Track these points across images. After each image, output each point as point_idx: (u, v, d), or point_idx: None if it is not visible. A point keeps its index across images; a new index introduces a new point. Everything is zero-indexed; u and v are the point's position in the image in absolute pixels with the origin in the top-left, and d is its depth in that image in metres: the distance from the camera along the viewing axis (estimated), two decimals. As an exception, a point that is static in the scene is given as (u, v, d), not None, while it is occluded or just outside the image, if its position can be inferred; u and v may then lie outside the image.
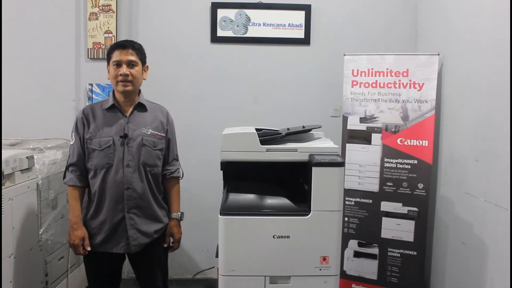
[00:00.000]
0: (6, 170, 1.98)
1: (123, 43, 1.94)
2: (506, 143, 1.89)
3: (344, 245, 2.65)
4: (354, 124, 2.67)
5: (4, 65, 2.85)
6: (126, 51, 1.91)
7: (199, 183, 2.94)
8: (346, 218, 2.68)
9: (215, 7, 2.95)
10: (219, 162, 1.86)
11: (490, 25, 2.09)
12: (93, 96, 2.91)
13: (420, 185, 2.54)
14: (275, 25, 2.98)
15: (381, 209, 2.61)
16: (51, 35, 2.92)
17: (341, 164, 1.74)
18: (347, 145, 2.67)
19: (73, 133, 1.96)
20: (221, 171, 1.94)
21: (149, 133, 1.95)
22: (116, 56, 1.90)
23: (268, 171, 1.91)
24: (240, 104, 3.01)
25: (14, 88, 2.90)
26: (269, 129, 1.98)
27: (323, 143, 1.99)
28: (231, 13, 2.96)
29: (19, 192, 2.08)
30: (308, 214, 1.74)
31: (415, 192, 2.55)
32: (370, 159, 2.62)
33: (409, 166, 2.56)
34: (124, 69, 1.89)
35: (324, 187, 1.73)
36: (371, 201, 2.63)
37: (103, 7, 2.89)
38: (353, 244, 2.68)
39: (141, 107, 1.99)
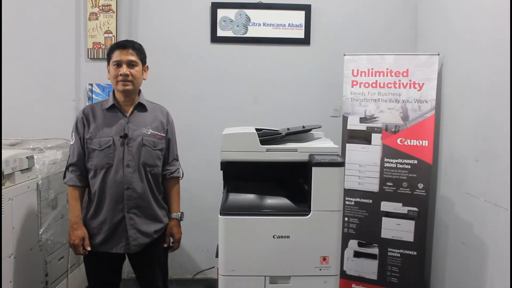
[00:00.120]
0: (6, 170, 1.98)
1: (123, 43, 1.94)
2: (506, 143, 1.89)
3: (344, 245, 2.65)
4: (354, 124, 2.67)
5: (4, 65, 2.85)
6: (126, 51, 1.91)
7: (199, 183, 2.94)
8: (346, 218, 2.68)
9: (215, 7, 2.95)
10: (219, 162, 1.86)
11: (490, 25, 2.09)
12: (93, 96, 2.91)
13: (420, 185, 2.54)
14: (275, 25, 2.98)
15: (381, 209, 2.61)
16: (51, 35, 2.92)
17: (341, 164, 1.74)
18: (347, 145, 2.67)
19: (73, 133, 1.96)
20: (221, 171, 1.94)
21: (149, 133, 1.95)
22: (116, 56, 1.90)
23: (268, 171, 1.91)
24: (240, 104, 3.01)
25: (14, 88, 2.90)
26: (269, 129, 1.98)
27: (323, 143, 1.99)
28: (231, 13, 2.96)
29: (19, 192, 2.08)
30: (308, 214, 1.74)
31: (415, 192, 2.55)
32: (370, 159, 2.62)
33: (409, 166, 2.56)
34: (124, 69, 1.89)
35: (324, 187, 1.73)
36: (371, 201, 2.63)
37: (103, 7, 2.89)
38: (353, 244, 2.68)
39: (141, 107, 1.99)
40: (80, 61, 2.94)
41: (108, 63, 1.95)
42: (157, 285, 2.04)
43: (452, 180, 2.45)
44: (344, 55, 2.70)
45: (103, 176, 1.89)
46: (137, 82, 1.95)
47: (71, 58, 2.94)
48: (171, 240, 2.07)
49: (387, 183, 2.60)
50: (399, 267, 2.60)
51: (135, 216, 1.92)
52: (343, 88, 2.70)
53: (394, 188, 2.59)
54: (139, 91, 2.01)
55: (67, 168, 1.96)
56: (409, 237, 2.56)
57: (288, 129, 2.06)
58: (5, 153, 2.01)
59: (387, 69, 2.61)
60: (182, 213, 2.10)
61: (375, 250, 2.64)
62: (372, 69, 2.64)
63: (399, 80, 2.59)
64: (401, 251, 2.59)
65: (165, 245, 2.05)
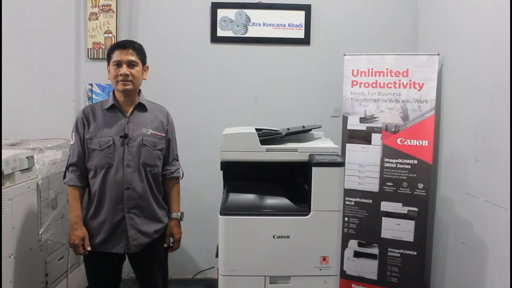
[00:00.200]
0: (6, 170, 1.98)
1: (124, 43, 1.94)
2: (506, 143, 1.89)
3: (344, 245, 2.65)
4: (354, 124, 2.67)
5: (4, 65, 2.85)
6: (126, 51, 1.91)
7: (199, 183, 2.94)
8: (346, 218, 2.68)
9: (215, 7, 2.95)
10: (219, 162, 1.86)
11: (490, 25, 2.09)
12: (93, 96, 2.91)
13: (420, 185, 2.54)
14: (275, 25, 2.98)
15: (381, 209, 2.61)
16: (51, 35, 2.92)
17: (341, 164, 1.74)
18: (347, 145, 2.67)
19: (73, 133, 1.96)
20: (221, 171, 1.94)
21: (149, 133, 1.95)
22: (117, 56, 1.90)
23: (268, 171, 1.91)
24: (240, 104, 3.01)
25: (14, 88, 2.90)
26: (269, 129, 1.98)
27: (323, 143, 1.99)
28: (231, 13, 2.96)
29: (19, 192, 2.08)
30: (308, 214, 1.74)
31: (415, 192, 2.55)
32: (370, 159, 2.62)
33: (409, 166, 2.56)
34: (124, 69, 1.89)
35: (324, 187, 1.73)
36: (371, 201, 2.63)
37: (103, 7, 2.89)
38: (353, 244, 2.68)
39: (141, 107, 1.99)
40: (80, 61, 2.94)
41: (108, 63, 1.95)
42: (157, 285, 2.04)
43: (452, 180, 2.45)
44: (344, 55, 2.70)
45: (103, 176, 1.89)
46: (137, 82, 1.95)
47: (71, 58, 2.94)
48: (171, 240, 2.07)
49: (387, 183, 2.60)
50: (399, 267, 2.60)
51: (135, 216, 1.92)
52: (343, 88, 2.70)
53: (394, 188, 2.59)
54: (139, 91, 2.01)
55: (67, 168, 1.96)
56: (409, 237, 2.56)
57: (288, 129, 2.06)
58: (5, 153, 2.01)
59: (387, 69, 2.61)
60: (182, 213, 2.10)
61: (375, 250, 2.64)
62: (372, 69, 2.64)
63: (399, 80, 2.59)
64: (401, 251, 2.59)
65: (165, 245, 2.05)
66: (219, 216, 1.75)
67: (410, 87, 2.56)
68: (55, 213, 2.40)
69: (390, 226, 2.60)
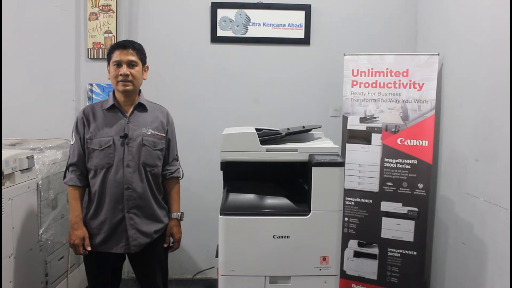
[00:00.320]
0: (6, 170, 1.98)
1: (124, 43, 1.94)
2: (506, 143, 1.89)
3: (344, 245, 2.66)
4: (354, 124, 2.67)
5: (4, 65, 2.84)
6: (127, 51, 1.91)
7: (199, 183, 2.94)
8: (346, 218, 2.68)
9: (215, 7, 2.95)
10: (219, 162, 1.86)
11: (490, 25, 2.09)
12: (93, 96, 2.91)
13: (420, 185, 2.54)
14: (275, 25, 2.98)
15: (381, 209, 2.61)
16: (51, 35, 2.92)
17: (341, 164, 1.74)
18: (347, 145, 2.67)
19: (73, 133, 1.96)
20: (221, 171, 1.94)
21: (149, 133, 1.95)
22: (117, 56, 1.90)
23: (268, 171, 1.91)
24: (240, 104, 3.01)
25: (14, 88, 2.90)
26: (269, 129, 1.98)
27: (323, 143, 1.99)
28: (231, 13, 2.96)
29: (19, 192, 2.08)
30: (308, 214, 1.74)
31: (415, 192, 2.55)
32: (370, 159, 2.62)
33: (409, 166, 2.56)
34: (124, 69, 1.89)
35: (324, 187, 1.73)
36: (371, 201, 2.63)
37: (103, 7, 2.89)
38: (353, 244, 2.68)
39: (141, 107, 1.99)
40: (80, 61, 2.94)
41: (108, 63, 1.95)
42: (157, 285, 2.04)
43: (452, 180, 2.45)
44: (344, 55, 2.70)
45: (103, 176, 1.89)
46: (137, 82, 1.94)
47: (71, 58, 2.94)
48: (171, 240, 2.07)
49: (387, 183, 2.60)
50: (399, 267, 2.60)
51: (135, 216, 1.92)
52: (343, 88, 2.70)
53: (394, 188, 2.59)
54: (139, 91, 2.01)
55: (67, 168, 1.96)
56: (409, 237, 2.56)
57: (288, 129, 2.06)
58: (5, 153, 2.01)
59: (387, 69, 2.61)
60: (182, 213, 2.10)
61: (375, 250, 2.64)
62: (372, 69, 2.64)
63: (399, 80, 2.59)
64: (401, 251, 2.59)
65: (165, 245, 2.05)
66: (219, 216, 1.75)
67: (410, 87, 2.56)
68: (55, 213, 2.40)
69: (390, 226, 2.60)
